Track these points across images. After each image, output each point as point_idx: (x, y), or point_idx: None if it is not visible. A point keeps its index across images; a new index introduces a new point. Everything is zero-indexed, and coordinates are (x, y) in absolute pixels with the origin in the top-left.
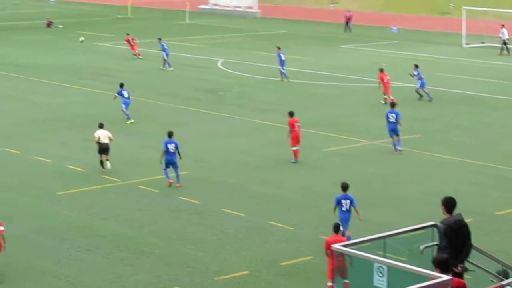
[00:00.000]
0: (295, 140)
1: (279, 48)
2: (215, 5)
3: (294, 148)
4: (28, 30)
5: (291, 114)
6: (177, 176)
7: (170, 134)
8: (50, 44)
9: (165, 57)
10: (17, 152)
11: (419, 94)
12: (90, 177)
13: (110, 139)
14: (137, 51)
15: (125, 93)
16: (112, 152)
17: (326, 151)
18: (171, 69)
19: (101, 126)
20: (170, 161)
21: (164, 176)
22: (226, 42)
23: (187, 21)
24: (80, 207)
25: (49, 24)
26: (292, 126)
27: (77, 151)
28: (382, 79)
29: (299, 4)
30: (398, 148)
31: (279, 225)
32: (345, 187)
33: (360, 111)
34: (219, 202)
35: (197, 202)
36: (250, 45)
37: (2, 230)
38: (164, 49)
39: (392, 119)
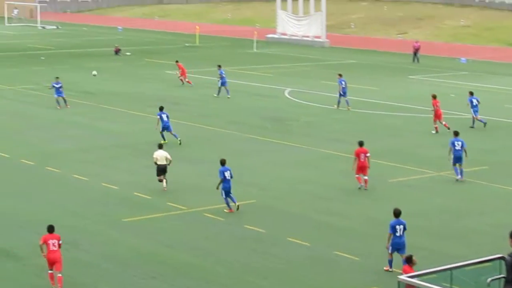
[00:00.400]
0: (360, 169)
1: (340, 75)
2: (283, 34)
3: (357, 176)
4: (96, 57)
5: (360, 144)
6: (233, 199)
7: (223, 162)
8: (118, 71)
9: (220, 85)
10: (85, 178)
11: (473, 122)
12: (156, 204)
13: (167, 160)
14: (181, 78)
15: (164, 117)
16: (178, 179)
17: (393, 181)
18: (228, 96)
19: (160, 147)
20: (228, 189)
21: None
22: (293, 72)
23: (255, 50)
24: (146, 235)
25: (117, 52)
26: (357, 156)
27: (143, 178)
28: (435, 105)
29: (367, 34)
30: (460, 177)
31: (345, 255)
32: (397, 213)
33: (426, 142)
34: (284, 231)
35: (262, 230)
36: (318, 74)
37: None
38: (222, 77)
39: (458, 147)
